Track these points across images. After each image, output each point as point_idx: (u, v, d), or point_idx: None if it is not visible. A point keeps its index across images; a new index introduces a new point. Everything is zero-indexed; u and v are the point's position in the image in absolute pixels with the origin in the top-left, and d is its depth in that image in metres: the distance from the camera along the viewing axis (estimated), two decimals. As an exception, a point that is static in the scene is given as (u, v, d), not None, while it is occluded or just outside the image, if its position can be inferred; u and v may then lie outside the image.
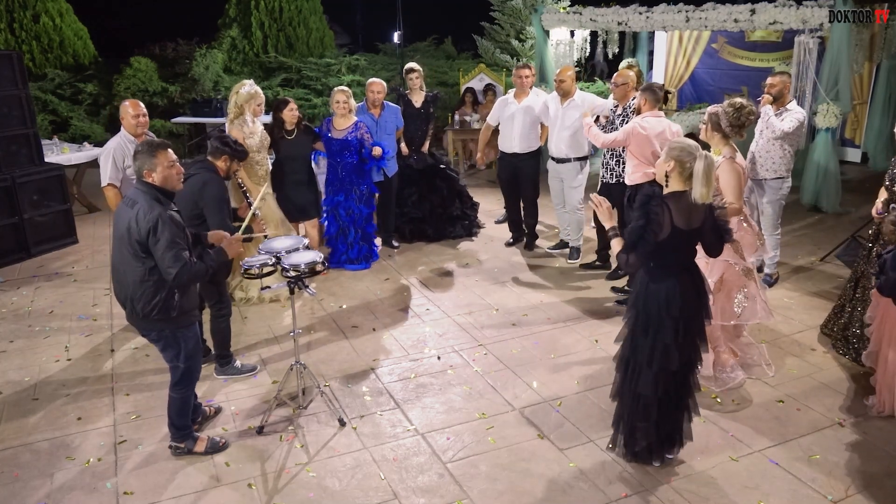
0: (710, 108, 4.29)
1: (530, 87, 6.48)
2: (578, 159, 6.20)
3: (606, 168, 5.92)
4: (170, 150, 3.40)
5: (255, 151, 5.58)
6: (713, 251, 3.36)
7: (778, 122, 5.35)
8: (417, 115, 6.86)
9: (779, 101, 5.45)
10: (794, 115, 5.35)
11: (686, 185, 3.16)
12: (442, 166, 7.17)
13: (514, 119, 6.39)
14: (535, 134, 6.50)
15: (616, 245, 3.25)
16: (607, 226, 3.34)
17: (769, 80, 5.52)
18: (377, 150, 5.99)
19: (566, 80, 6.02)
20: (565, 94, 6.07)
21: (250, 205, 4.19)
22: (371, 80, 6.43)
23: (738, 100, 4.23)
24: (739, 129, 4.21)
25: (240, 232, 3.88)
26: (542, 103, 6.34)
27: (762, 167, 5.49)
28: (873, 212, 4.41)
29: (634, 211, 3.17)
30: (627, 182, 5.41)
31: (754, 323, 4.35)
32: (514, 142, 6.45)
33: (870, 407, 3.99)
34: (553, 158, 6.32)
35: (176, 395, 3.58)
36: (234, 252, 3.64)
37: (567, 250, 6.65)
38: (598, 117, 5.95)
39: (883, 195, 4.38)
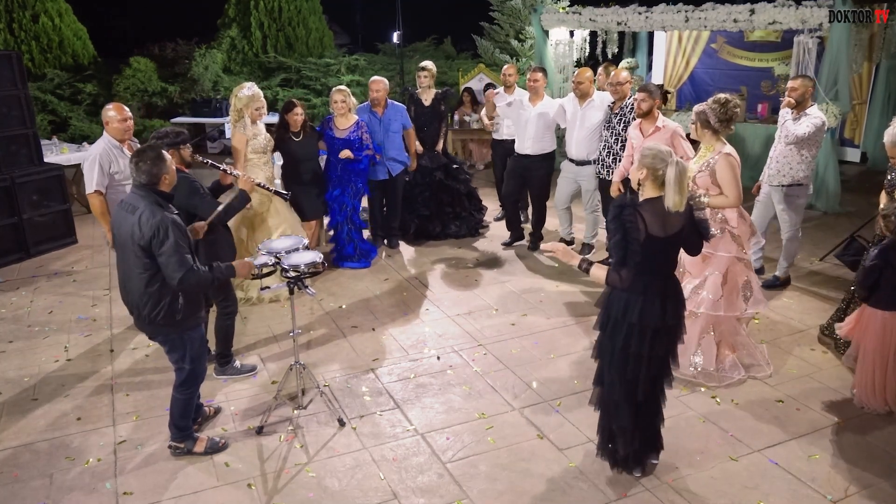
0: (697, 107, 4.34)
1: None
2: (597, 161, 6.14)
3: (603, 165, 5.94)
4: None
5: (260, 153, 5.58)
6: (693, 251, 3.32)
7: (793, 126, 5.19)
8: (428, 114, 6.85)
9: (801, 105, 5.23)
10: (812, 119, 5.14)
11: (661, 192, 3.10)
12: (456, 166, 7.15)
13: (528, 123, 6.35)
14: (550, 136, 6.45)
15: (597, 271, 3.16)
16: (574, 263, 3.25)
17: (791, 84, 5.30)
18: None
19: (584, 82, 6.01)
20: (583, 96, 6.07)
21: (225, 171, 4.37)
22: (372, 78, 6.43)
23: (722, 95, 4.26)
24: (728, 122, 4.24)
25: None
26: (557, 106, 6.29)
27: (779, 172, 5.36)
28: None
29: (609, 223, 3.12)
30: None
31: (761, 311, 4.37)
32: (525, 143, 6.42)
33: (855, 399, 4.06)
34: (572, 161, 6.30)
35: (180, 395, 3.59)
36: (244, 273, 3.63)
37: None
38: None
39: (884, 199, 4.40)
